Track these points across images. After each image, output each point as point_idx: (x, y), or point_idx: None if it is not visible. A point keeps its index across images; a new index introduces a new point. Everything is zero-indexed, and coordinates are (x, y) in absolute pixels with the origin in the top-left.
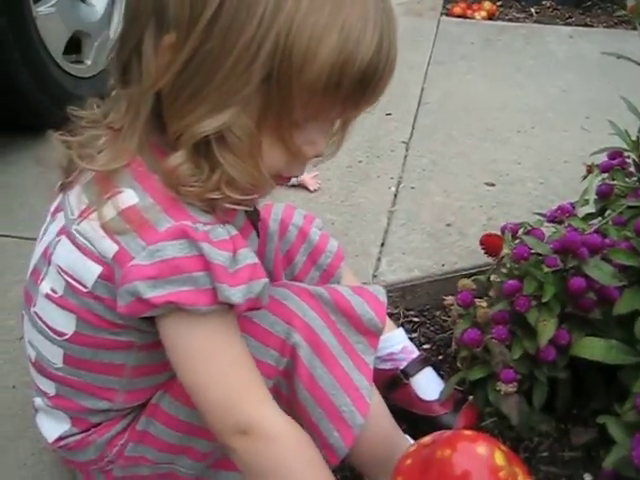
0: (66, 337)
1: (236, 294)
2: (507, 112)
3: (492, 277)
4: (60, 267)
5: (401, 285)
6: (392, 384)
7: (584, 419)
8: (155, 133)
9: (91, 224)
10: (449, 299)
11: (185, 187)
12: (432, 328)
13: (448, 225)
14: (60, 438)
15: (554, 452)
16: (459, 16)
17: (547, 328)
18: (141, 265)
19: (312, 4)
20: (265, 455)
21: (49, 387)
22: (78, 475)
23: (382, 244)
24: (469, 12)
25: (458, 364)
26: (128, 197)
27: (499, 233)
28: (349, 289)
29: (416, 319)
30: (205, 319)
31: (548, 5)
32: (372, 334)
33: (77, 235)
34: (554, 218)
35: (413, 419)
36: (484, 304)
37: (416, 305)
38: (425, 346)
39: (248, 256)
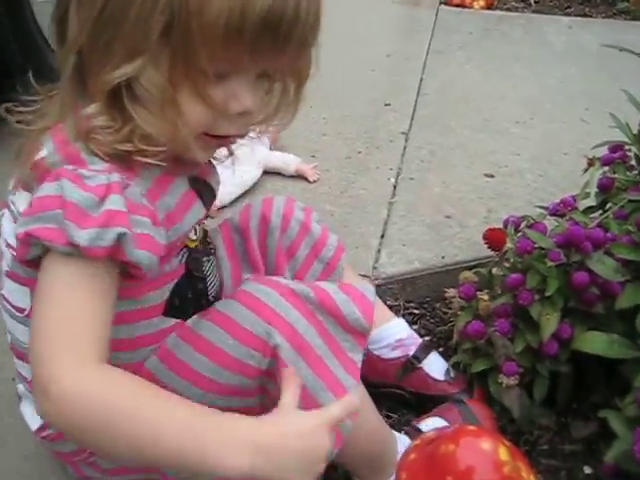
0: (26, 312)
1: (82, 236)
2: (505, 103)
3: (494, 270)
4: (6, 240)
5: (401, 277)
6: (405, 369)
7: (585, 413)
8: (80, 94)
9: (20, 190)
10: (450, 291)
11: (94, 135)
12: (432, 320)
13: (448, 217)
14: (42, 427)
15: (554, 445)
16: (457, 5)
17: (550, 322)
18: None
19: None
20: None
21: (26, 370)
22: (67, 467)
23: (382, 236)
24: (467, 1)
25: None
26: (41, 153)
27: (500, 225)
28: (336, 287)
29: (416, 311)
30: (64, 263)
31: None
32: (359, 333)
33: (11, 204)
34: (556, 211)
35: (424, 400)
36: (486, 297)
37: (416, 297)
38: (425, 338)
39: (115, 202)
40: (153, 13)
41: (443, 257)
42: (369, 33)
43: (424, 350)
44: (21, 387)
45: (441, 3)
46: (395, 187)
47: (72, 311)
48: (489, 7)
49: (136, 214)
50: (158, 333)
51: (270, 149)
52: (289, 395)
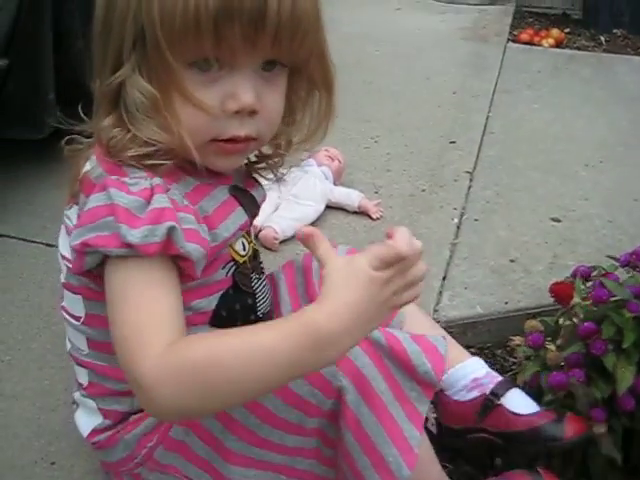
0: (82, 320)
1: (135, 234)
2: (574, 144)
3: (561, 320)
4: (61, 253)
5: (462, 321)
6: (484, 409)
7: None
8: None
9: (73, 204)
10: (516, 339)
11: (111, 145)
12: (493, 367)
13: (512, 261)
14: (94, 432)
15: None
16: (526, 43)
17: (626, 375)
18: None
19: None
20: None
21: (83, 376)
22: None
23: (444, 277)
24: (536, 39)
25: None
26: (86, 167)
27: (566, 272)
28: (408, 336)
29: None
30: (125, 266)
31: (619, 34)
32: (427, 384)
33: (66, 219)
34: (628, 263)
35: (513, 440)
36: (553, 347)
37: (477, 342)
38: None
39: (161, 201)
40: (125, 22)
41: (506, 302)
42: (436, 69)
43: (504, 386)
44: (77, 394)
45: (509, 40)
46: (459, 228)
47: (148, 308)
48: (558, 45)
49: (181, 211)
50: None
51: (334, 184)
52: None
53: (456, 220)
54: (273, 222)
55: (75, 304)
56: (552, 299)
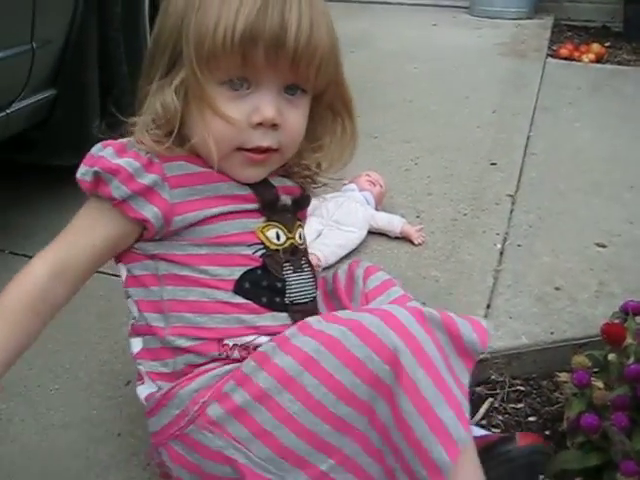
0: (125, 283)
1: (79, 171)
2: (618, 165)
3: (610, 357)
4: None
5: (507, 352)
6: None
7: None
8: None
9: None
10: (563, 376)
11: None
12: (539, 399)
13: (557, 289)
14: (148, 396)
15: None
16: (565, 58)
17: None
18: None
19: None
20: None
21: (137, 344)
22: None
23: (488, 306)
24: (576, 54)
25: (568, 443)
26: None
27: (614, 303)
28: (462, 317)
29: (522, 388)
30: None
31: None
32: (469, 356)
33: None
34: None
35: None
36: (600, 384)
37: (522, 373)
38: (531, 418)
39: (108, 153)
40: (169, 42)
41: (552, 332)
42: (474, 87)
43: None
44: (142, 368)
45: (548, 56)
46: (502, 254)
47: (70, 227)
48: (599, 60)
49: (126, 157)
50: (229, 306)
51: (375, 209)
52: None
53: (499, 245)
54: (316, 249)
55: (121, 269)
56: (604, 340)
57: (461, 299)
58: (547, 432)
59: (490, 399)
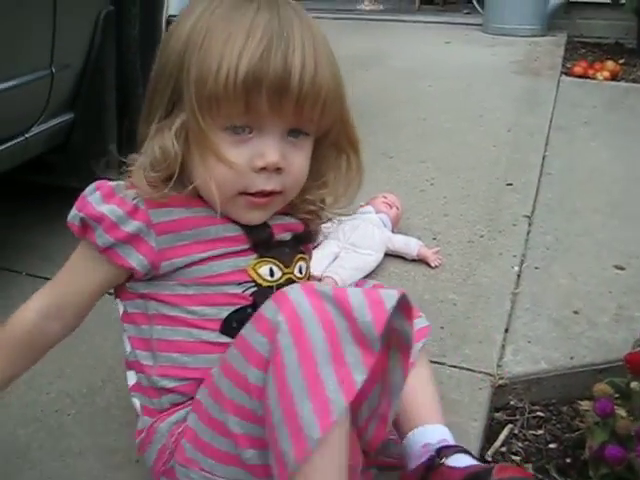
0: (122, 318)
1: (69, 214)
2: (636, 184)
3: (633, 384)
4: None
5: (526, 377)
6: (428, 469)
7: None
8: None
9: None
10: (584, 404)
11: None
12: (559, 426)
13: (575, 312)
14: (138, 432)
15: None
16: (580, 76)
17: None
18: None
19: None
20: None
21: (131, 378)
22: None
23: (506, 330)
24: (590, 72)
25: (590, 473)
26: None
27: (633, 327)
28: (360, 290)
29: (542, 414)
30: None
31: None
32: (368, 350)
33: None
34: None
35: None
36: (623, 412)
37: (542, 399)
38: (551, 445)
39: (97, 199)
40: (169, 83)
41: (571, 358)
42: (488, 105)
43: (456, 449)
44: (136, 401)
45: (562, 73)
46: (519, 276)
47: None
48: (614, 78)
49: (111, 204)
50: (214, 346)
51: (392, 231)
52: None
53: (516, 268)
54: (333, 272)
55: (118, 304)
56: (627, 369)
57: (478, 323)
58: (568, 460)
59: (510, 425)
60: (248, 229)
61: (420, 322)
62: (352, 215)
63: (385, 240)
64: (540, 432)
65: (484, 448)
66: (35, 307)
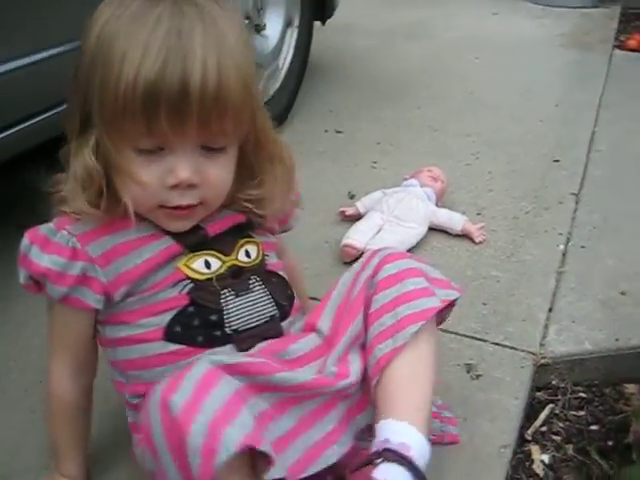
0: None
1: (20, 274)
2: None
3: None
4: None
5: (570, 358)
6: (360, 465)
7: None
8: None
9: None
10: (630, 387)
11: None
12: (601, 407)
13: (622, 293)
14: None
15: None
16: (632, 50)
17: None
18: None
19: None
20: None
21: (121, 397)
22: None
23: (550, 309)
24: None
25: (634, 457)
26: None
27: None
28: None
29: (584, 395)
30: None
31: None
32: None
33: None
34: None
35: None
36: None
37: (584, 380)
38: (593, 427)
39: (33, 252)
40: (79, 102)
41: (617, 339)
42: (536, 79)
43: (400, 457)
44: (129, 418)
45: (615, 47)
46: (564, 255)
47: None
48: None
49: (50, 255)
50: (165, 355)
51: (436, 205)
52: None
53: (562, 246)
54: (376, 245)
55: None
56: None
57: (522, 301)
58: (610, 442)
59: (551, 405)
60: (180, 236)
61: (423, 303)
62: (396, 188)
63: (429, 214)
64: (582, 413)
65: (524, 427)
66: (64, 374)
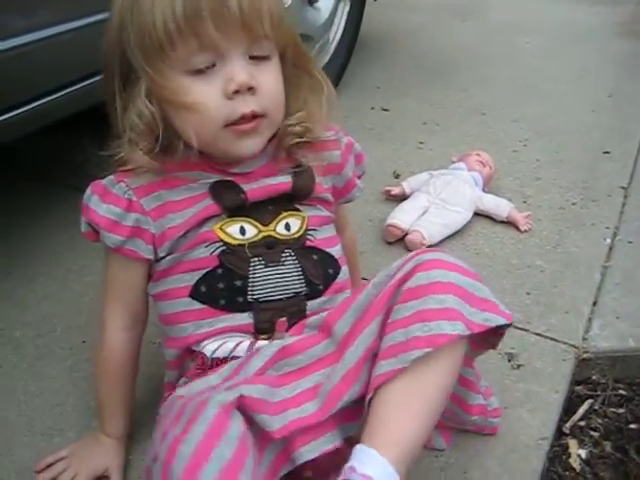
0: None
1: (82, 222)
2: None
3: None
4: None
5: (612, 354)
6: None
7: None
8: None
9: None
10: None
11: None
12: None
13: None
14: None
15: None
16: None
17: None
18: None
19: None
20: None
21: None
22: None
23: (594, 303)
24: None
25: None
26: None
27: None
28: None
29: (624, 392)
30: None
31: None
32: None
33: None
34: None
35: None
36: None
37: (625, 377)
38: (632, 425)
39: (94, 201)
40: (115, 54)
41: None
42: (589, 67)
43: None
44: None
45: None
46: (611, 249)
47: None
48: None
49: (108, 204)
50: (190, 313)
51: (483, 190)
52: None
53: (608, 240)
54: (421, 226)
55: None
56: None
57: (566, 293)
58: None
59: (590, 400)
60: (220, 197)
61: (439, 326)
62: (444, 170)
63: (475, 199)
64: (621, 411)
65: (562, 420)
66: (118, 326)
